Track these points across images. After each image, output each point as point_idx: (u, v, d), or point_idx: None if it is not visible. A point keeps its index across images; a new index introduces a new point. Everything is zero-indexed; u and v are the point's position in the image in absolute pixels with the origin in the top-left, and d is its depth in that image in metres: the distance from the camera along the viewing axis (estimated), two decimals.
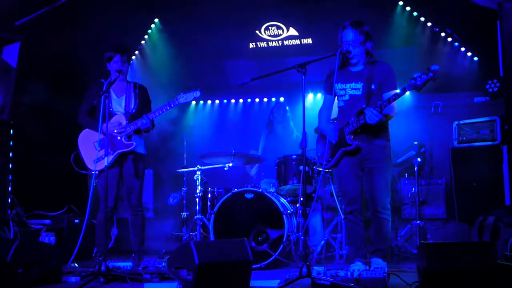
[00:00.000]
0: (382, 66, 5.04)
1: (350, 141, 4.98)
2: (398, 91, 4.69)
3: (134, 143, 5.68)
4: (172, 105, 5.67)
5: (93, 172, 5.50)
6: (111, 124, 5.60)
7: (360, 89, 5.01)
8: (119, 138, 5.65)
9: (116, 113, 5.72)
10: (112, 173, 5.64)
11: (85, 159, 5.72)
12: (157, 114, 5.67)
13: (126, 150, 5.68)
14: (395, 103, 4.86)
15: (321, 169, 6.37)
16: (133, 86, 5.89)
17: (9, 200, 6.78)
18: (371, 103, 4.91)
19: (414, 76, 4.48)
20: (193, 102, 9.35)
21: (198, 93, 5.71)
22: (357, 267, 4.88)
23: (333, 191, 6.43)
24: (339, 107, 5.19)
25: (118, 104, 5.77)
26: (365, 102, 4.92)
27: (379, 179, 4.97)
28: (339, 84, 5.10)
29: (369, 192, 5.04)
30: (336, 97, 5.21)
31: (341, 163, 5.11)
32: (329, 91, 5.24)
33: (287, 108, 7.53)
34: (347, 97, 5.08)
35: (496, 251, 4.06)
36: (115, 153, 5.64)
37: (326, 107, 5.29)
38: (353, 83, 5.05)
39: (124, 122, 5.69)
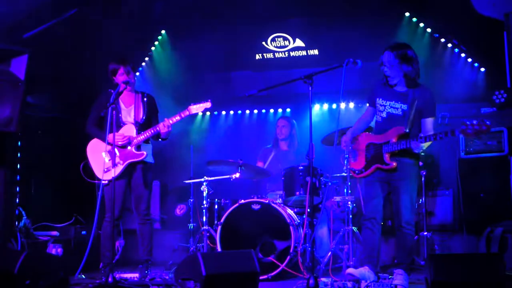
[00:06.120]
0: (424, 91, 5.11)
1: (387, 161, 5.07)
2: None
3: (145, 153, 5.71)
4: (183, 115, 5.70)
5: (102, 182, 5.51)
6: (120, 135, 5.64)
7: (400, 110, 5.11)
8: (129, 148, 5.68)
9: (125, 123, 5.75)
10: (120, 182, 5.67)
11: (94, 168, 5.74)
12: (169, 122, 5.69)
13: (136, 159, 5.70)
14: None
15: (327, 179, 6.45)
16: (141, 95, 5.92)
17: (17, 212, 6.80)
18: (411, 127, 5.03)
19: (467, 122, 4.71)
20: (200, 113, 9.38)
21: (209, 104, 5.75)
22: (366, 271, 4.95)
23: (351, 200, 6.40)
24: (376, 121, 5.33)
25: (128, 114, 5.80)
26: (406, 125, 5.04)
27: (404, 196, 5.07)
28: (380, 99, 5.24)
29: (395, 207, 5.16)
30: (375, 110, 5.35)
31: (371, 174, 5.25)
32: (371, 103, 5.37)
33: (294, 122, 7.50)
34: (385, 114, 5.19)
35: (505, 263, 4.05)
36: (125, 163, 5.67)
37: (365, 117, 5.46)
38: (394, 102, 5.15)
39: (133, 132, 5.72)
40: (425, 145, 4.97)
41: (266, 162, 7.32)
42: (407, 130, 5.04)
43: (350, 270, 5.08)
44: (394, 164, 5.05)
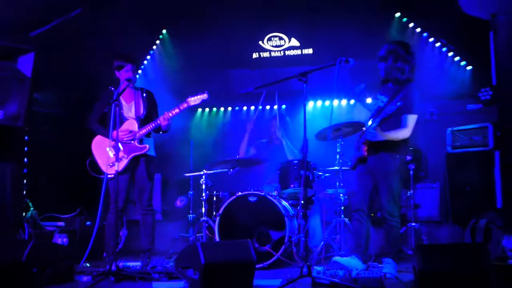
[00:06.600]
0: (408, 89, 5.07)
1: (362, 150, 5.15)
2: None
3: (148, 146, 5.72)
4: (181, 108, 5.71)
5: (108, 176, 5.52)
6: (123, 130, 5.65)
7: (383, 103, 5.15)
8: (132, 142, 5.69)
9: (127, 118, 5.75)
10: (125, 176, 5.70)
11: (100, 163, 5.75)
12: (169, 115, 5.70)
13: (140, 152, 5.71)
14: (407, 127, 5.02)
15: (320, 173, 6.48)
16: (141, 91, 5.93)
17: (24, 203, 6.80)
18: (382, 120, 5.03)
19: None
20: (199, 110, 9.38)
21: (206, 96, 5.75)
22: (352, 260, 5.00)
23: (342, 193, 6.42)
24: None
25: (129, 110, 5.81)
26: (377, 116, 5.06)
27: (384, 189, 5.10)
28: (378, 94, 5.31)
29: (378, 200, 5.20)
30: None
31: (357, 167, 5.32)
32: None
33: (287, 119, 7.49)
34: (376, 107, 5.26)
35: (489, 252, 4.06)
36: (129, 156, 5.68)
37: None
38: (383, 96, 5.21)
39: (135, 127, 5.73)
40: (385, 135, 4.96)
41: (260, 151, 7.33)
42: (370, 121, 5.06)
43: (337, 259, 5.11)
44: (364, 153, 5.11)
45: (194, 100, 5.74)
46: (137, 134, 5.70)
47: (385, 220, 5.10)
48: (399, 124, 5.04)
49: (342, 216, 6.18)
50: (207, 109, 9.46)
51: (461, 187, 6.72)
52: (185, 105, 5.72)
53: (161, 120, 5.68)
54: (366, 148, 5.12)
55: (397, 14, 8.00)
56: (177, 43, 8.73)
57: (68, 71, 7.50)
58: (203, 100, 5.77)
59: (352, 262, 5.03)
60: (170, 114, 5.69)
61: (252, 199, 6.07)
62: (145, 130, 5.71)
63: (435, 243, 6.75)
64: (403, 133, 5.03)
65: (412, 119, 5.02)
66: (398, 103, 4.89)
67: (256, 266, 4.59)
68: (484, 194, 6.35)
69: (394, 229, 5.11)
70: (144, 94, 5.91)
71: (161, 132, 5.88)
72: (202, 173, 6.72)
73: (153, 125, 5.72)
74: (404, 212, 6.85)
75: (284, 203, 6.17)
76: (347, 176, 6.26)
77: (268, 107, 9.24)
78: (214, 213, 6.65)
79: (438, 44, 7.94)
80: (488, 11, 5.88)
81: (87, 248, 5.55)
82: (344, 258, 5.15)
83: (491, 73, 6.08)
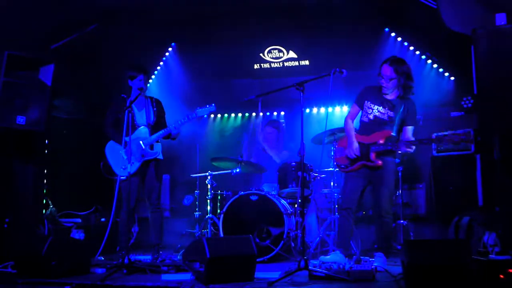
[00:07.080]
0: (410, 104, 5.11)
1: (374, 159, 5.08)
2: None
3: (158, 152, 5.73)
4: (190, 117, 5.70)
5: (121, 178, 5.51)
6: (136, 135, 5.64)
7: (386, 115, 5.11)
8: (143, 147, 5.68)
9: (140, 125, 5.75)
10: (136, 177, 5.68)
11: (113, 166, 5.73)
12: (178, 123, 5.70)
13: (151, 157, 5.71)
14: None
15: (316, 174, 6.45)
16: (150, 100, 5.92)
17: (44, 201, 6.80)
18: (394, 131, 5.08)
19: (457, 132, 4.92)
20: (205, 116, 9.35)
21: (213, 108, 5.74)
22: (337, 257, 5.00)
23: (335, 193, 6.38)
24: (362, 121, 5.29)
25: (140, 117, 5.80)
26: (392, 129, 5.08)
27: (384, 189, 5.09)
28: (369, 102, 5.20)
29: (375, 199, 5.17)
30: (361, 111, 5.30)
31: (357, 170, 5.22)
32: (359, 104, 5.30)
33: (282, 126, 7.43)
34: (372, 116, 5.17)
35: (471, 247, 4.06)
36: (141, 160, 5.67)
37: (351, 116, 5.37)
38: (381, 107, 5.14)
39: (147, 133, 5.73)
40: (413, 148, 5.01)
41: (258, 158, 7.30)
42: (394, 134, 5.07)
43: (322, 258, 5.07)
44: (380, 162, 5.05)
45: (202, 111, 5.74)
46: (149, 140, 5.70)
47: (381, 217, 5.09)
48: (400, 134, 5.12)
49: (336, 213, 6.17)
50: (212, 115, 9.45)
51: (445, 187, 6.70)
52: (194, 115, 5.72)
53: (172, 128, 5.69)
54: (375, 156, 5.08)
55: (386, 30, 8.00)
56: (185, 56, 8.73)
57: (85, 80, 7.52)
58: (210, 111, 5.77)
59: (336, 258, 5.01)
60: (179, 123, 5.69)
61: (253, 198, 6.06)
62: (156, 136, 5.70)
63: (421, 239, 6.74)
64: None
65: (413, 130, 5.11)
66: (406, 114, 5.01)
67: (257, 259, 4.58)
68: (467, 194, 6.33)
69: (388, 225, 5.12)
70: (154, 103, 5.92)
71: (170, 139, 5.87)
72: (207, 174, 6.71)
73: (164, 132, 5.71)
74: (393, 210, 6.83)
75: (283, 201, 6.15)
76: (341, 177, 6.24)
77: (268, 113, 9.23)
78: (219, 210, 6.64)
79: (424, 57, 7.94)
80: (469, 27, 5.88)
81: (102, 242, 5.55)
82: (328, 256, 5.13)
83: (473, 83, 6.07)
